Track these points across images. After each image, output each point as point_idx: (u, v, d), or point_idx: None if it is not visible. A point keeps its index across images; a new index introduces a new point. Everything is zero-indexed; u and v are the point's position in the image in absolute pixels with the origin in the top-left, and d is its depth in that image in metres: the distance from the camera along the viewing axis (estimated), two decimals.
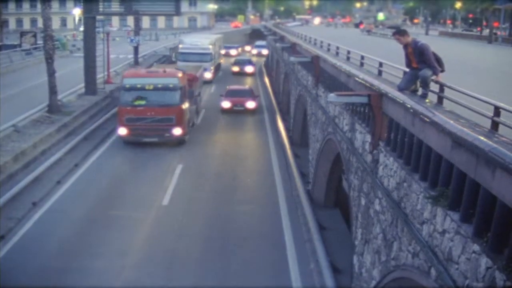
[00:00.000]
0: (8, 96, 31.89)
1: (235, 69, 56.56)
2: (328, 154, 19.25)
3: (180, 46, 53.08)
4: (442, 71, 10.44)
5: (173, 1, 37.95)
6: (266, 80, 51.28)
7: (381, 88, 11.35)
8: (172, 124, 26.07)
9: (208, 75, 46.46)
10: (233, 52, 76.39)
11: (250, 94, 37.22)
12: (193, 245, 16.58)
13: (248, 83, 49.77)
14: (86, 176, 22.42)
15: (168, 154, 25.62)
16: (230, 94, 36.50)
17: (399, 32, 11.05)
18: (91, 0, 36.47)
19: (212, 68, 50.06)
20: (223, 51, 67.88)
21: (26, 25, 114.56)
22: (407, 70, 11.12)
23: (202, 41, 52.69)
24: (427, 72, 10.30)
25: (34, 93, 32.99)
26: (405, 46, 10.84)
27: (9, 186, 19.45)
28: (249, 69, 56.71)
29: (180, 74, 27.65)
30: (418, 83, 10.69)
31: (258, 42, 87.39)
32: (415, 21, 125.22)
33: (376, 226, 11.21)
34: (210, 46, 51.31)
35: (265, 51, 76.52)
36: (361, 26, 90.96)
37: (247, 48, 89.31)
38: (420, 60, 10.43)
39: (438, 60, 10.45)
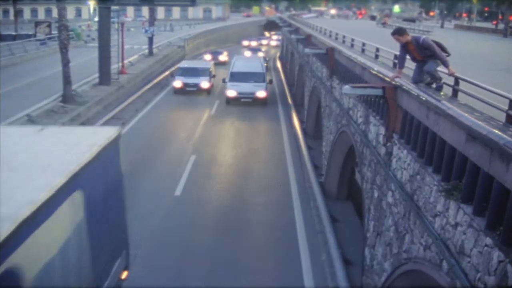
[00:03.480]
0: (22, 85, 32.17)
1: None
2: (341, 146, 19.23)
3: None
4: (448, 55, 10.44)
5: None
6: None
7: (396, 80, 11.31)
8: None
9: None
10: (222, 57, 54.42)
11: None
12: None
13: None
14: None
15: None
16: None
17: (398, 32, 10.89)
18: None
19: None
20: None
21: (41, 15, 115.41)
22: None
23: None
24: (431, 66, 10.30)
25: (48, 83, 33.17)
26: (405, 44, 10.72)
27: None
28: None
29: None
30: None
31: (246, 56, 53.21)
32: (431, 14, 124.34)
33: (388, 219, 11.21)
34: None
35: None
36: (360, 17, 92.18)
37: (207, 56, 56.42)
38: (426, 55, 10.43)
39: (441, 47, 10.42)
